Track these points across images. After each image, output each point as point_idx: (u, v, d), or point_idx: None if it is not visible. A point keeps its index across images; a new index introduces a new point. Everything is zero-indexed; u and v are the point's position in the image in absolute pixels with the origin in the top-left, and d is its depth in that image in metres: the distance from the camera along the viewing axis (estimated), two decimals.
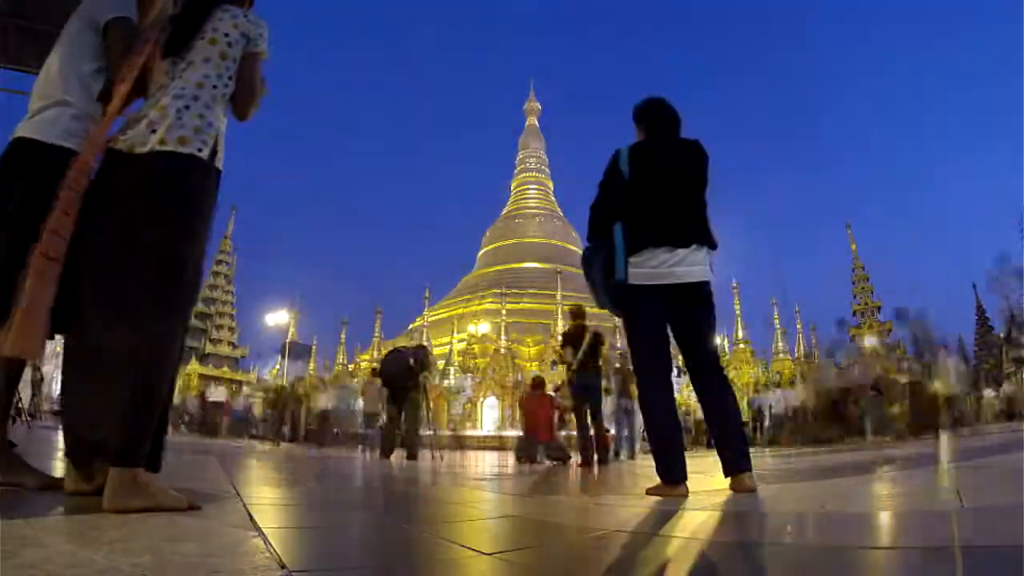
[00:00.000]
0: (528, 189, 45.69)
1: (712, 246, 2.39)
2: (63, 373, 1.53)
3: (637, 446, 8.69)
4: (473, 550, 1.19)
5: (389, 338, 31.27)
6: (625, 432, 8.56)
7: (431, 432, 8.15)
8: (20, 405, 6.77)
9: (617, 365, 8.59)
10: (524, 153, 48.02)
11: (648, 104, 2.63)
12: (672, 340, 2.41)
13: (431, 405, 7.99)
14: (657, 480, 2.26)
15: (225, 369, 29.70)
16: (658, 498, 2.13)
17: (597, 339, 5.90)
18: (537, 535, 1.55)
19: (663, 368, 2.35)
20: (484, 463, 6.94)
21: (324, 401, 15.59)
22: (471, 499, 2.48)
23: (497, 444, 17.11)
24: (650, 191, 2.39)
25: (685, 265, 2.30)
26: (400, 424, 7.21)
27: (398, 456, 6.95)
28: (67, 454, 1.54)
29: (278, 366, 28.37)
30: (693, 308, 2.34)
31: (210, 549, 1.06)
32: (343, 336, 31.59)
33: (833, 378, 13.09)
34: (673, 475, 2.19)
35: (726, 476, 2.23)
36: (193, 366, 28.34)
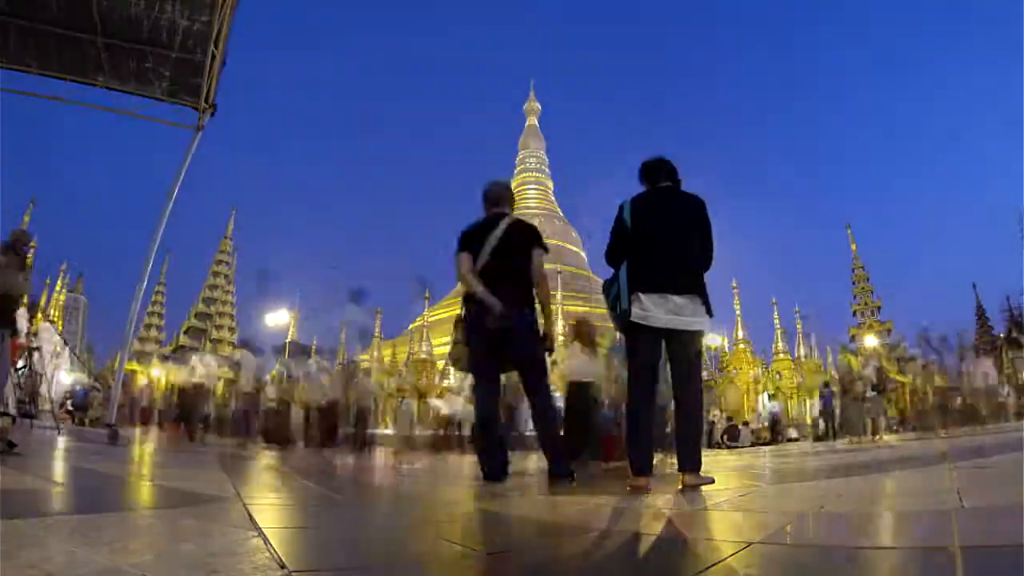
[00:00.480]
0: (528, 189, 45.70)
1: (704, 300, 2.69)
2: None
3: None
4: (473, 550, 1.20)
5: (389, 338, 31.24)
6: None
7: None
8: (28, 409, 6.70)
9: None
10: (524, 153, 48.05)
11: (645, 164, 2.95)
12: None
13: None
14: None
15: (226, 369, 29.70)
16: (658, 498, 2.19)
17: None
18: (537, 535, 1.55)
19: (647, 394, 2.75)
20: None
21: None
22: (471, 498, 2.48)
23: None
24: (646, 241, 2.74)
25: (675, 313, 2.63)
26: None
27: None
28: None
29: (278, 366, 28.27)
30: (680, 351, 2.70)
31: (210, 549, 1.06)
32: (343, 336, 31.53)
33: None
34: (636, 468, 2.60)
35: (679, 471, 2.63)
36: None
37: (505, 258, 3.03)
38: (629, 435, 2.78)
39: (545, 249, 3.13)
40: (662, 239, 2.72)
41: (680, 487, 2.48)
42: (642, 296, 2.64)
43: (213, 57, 6.93)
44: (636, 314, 2.64)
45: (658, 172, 2.92)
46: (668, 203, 2.84)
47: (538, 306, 3.11)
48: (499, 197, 3.29)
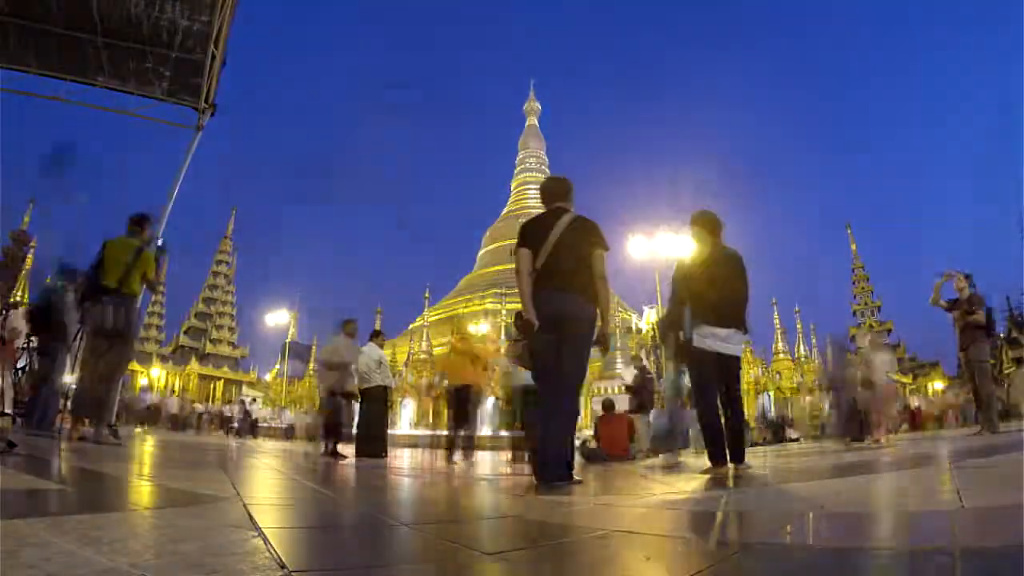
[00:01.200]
0: (528, 189, 45.71)
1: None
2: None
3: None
4: (473, 550, 1.20)
5: (389, 338, 31.32)
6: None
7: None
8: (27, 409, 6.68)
9: None
10: (524, 153, 48.10)
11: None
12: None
13: None
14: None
15: (225, 369, 29.71)
16: (658, 498, 2.23)
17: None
18: (537, 535, 1.55)
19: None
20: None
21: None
22: (472, 498, 2.48)
23: (499, 444, 17.14)
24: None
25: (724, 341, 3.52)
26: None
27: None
28: None
29: (278, 366, 28.33)
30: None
31: (210, 549, 1.06)
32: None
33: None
34: (716, 459, 3.30)
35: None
36: (193, 366, 28.31)
37: (566, 254, 2.97)
38: (705, 435, 3.40)
39: (606, 248, 3.07)
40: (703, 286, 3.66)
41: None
42: (704, 328, 3.56)
43: (213, 57, 6.93)
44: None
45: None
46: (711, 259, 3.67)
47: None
48: (560, 192, 3.24)
